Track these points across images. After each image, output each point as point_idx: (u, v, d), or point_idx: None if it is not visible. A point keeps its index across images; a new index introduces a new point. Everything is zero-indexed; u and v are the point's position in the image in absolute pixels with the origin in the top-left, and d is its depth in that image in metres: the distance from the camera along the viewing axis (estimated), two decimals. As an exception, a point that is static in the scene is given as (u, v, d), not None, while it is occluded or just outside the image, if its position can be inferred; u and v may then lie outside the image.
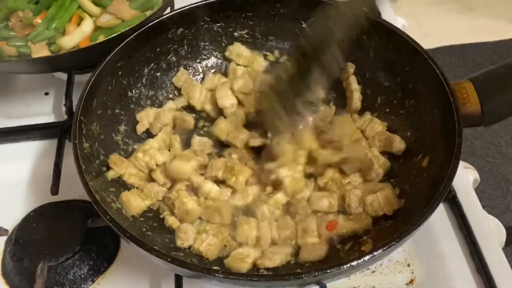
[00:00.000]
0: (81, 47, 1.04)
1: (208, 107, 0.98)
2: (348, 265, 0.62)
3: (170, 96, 1.00)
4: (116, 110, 0.91)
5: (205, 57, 1.04)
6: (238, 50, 1.02)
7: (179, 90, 1.00)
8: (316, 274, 0.62)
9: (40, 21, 1.09)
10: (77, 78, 1.10)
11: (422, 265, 0.83)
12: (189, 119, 0.94)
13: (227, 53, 1.03)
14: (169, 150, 0.91)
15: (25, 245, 0.85)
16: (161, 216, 0.82)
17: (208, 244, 0.76)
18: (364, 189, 0.81)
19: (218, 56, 1.04)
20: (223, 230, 0.79)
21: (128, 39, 0.91)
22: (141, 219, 0.81)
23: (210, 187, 0.82)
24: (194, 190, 0.83)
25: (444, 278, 0.81)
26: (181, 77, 1.00)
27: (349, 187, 0.82)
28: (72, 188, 0.89)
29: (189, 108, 0.99)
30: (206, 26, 1.01)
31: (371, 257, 0.63)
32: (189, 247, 0.77)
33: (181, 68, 1.00)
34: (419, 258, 0.84)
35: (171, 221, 0.80)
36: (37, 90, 1.17)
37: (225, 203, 0.81)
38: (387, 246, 0.63)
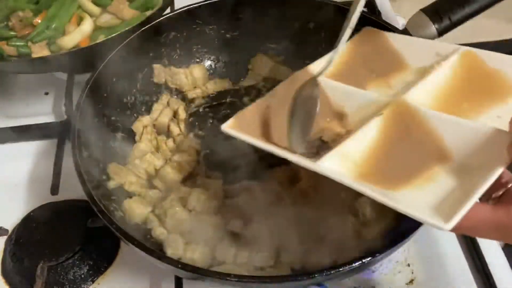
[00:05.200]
0: (81, 47, 1.04)
1: (201, 87, 0.99)
2: (347, 267, 0.62)
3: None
4: (113, 118, 0.91)
5: (198, 59, 1.04)
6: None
7: (170, 90, 1.00)
8: (316, 275, 0.62)
9: (40, 21, 1.08)
10: (77, 78, 1.10)
11: (422, 265, 0.83)
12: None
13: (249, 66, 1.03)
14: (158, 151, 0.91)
15: (25, 245, 0.85)
16: (148, 227, 0.80)
17: (201, 252, 0.75)
18: None
19: (211, 59, 1.04)
20: (212, 241, 0.77)
21: (120, 46, 0.91)
22: (143, 226, 0.81)
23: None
24: (182, 200, 0.81)
25: (444, 278, 0.81)
26: (160, 73, 0.99)
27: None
28: (72, 188, 0.88)
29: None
30: (198, 29, 1.01)
31: (371, 258, 0.63)
32: (179, 258, 0.75)
33: (153, 65, 0.99)
34: (419, 258, 0.84)
35: (159, 231, 0.78)
36: (37, 90, 1.17)
37: (219, 219, 0.79)
38: (391, 246, 0.63)
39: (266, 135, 0.69)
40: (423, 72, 0.75)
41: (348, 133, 0.68)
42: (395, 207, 0.53)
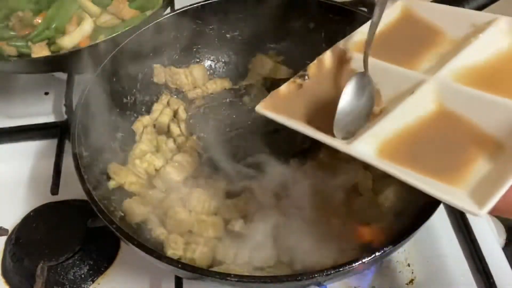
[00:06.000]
0: (81, 47, 1.04)
1: (201, 87, 0.99)
2: (347, 267, 0.62)
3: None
4: (112, 117, 0.91)
5: (198, 59, 1.04)
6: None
7: (170, 90, 1.00)
8: (316, 275, 0.62)
9: (40, 21, 1.09)
10: (77, 78, 1.10)
11: (422, 265, 0.83)
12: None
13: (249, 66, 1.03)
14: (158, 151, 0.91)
15: (25, 245, 0.85)
16: (148, 227, 0.80)
17: (201, 252, 0.74)
18: (371, 193, 0.81)
19: (211, 59, 1.04)
20: (212, 241, 0.77)
21: (120, 46, 0.91)
22: (143, 226, 0.80)
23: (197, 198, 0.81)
24: (182, 201, 0.81)
25: (444, 278, 0.81)
26: (160, 73, 0.99)
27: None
28: (72, 188, 0.88)
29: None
30: (198, 29, 1.01)
31: (371, 258, 0.63)
32: (179, 258, 0.75)
33: (153, 65, 0.98)
34: (419, 258, 0.84)
35: (159, 231, 0.78)
36: (37, 90, 1.17)
37: (219, 219, 0.80)
38: (391, 246, 0.63)
39: (300, 115, 0.68)
40: (459, 46, 0.71)
41: (382, 111, 0.66)
42: (425, 190, 0.52)
